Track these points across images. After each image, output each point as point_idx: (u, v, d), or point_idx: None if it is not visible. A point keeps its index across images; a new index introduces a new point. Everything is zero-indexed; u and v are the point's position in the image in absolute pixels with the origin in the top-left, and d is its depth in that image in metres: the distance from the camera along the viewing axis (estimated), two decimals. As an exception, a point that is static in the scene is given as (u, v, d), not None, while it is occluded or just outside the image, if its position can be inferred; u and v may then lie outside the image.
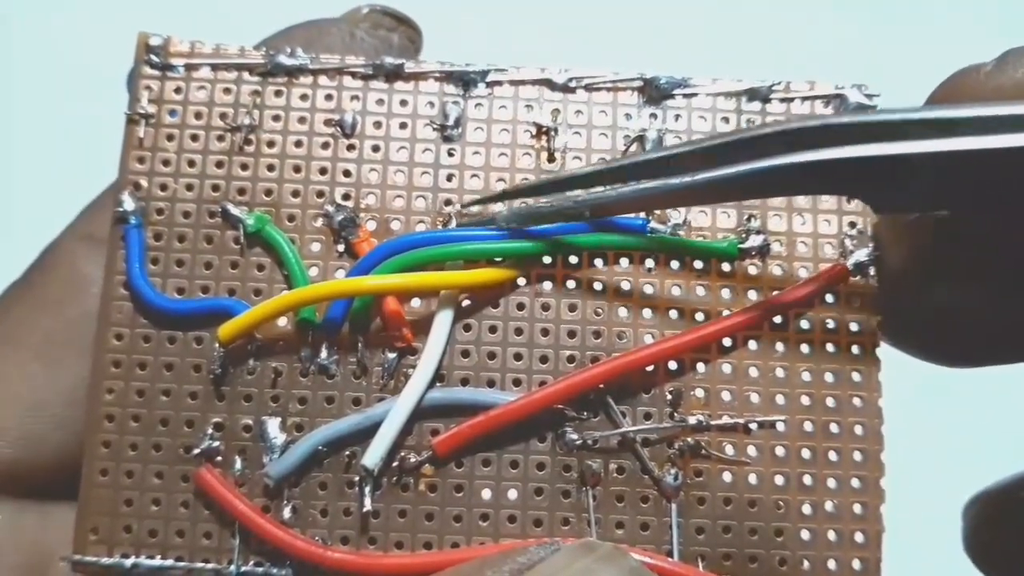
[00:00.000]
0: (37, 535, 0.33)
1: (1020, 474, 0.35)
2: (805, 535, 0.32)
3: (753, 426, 0.33)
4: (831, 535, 0.32)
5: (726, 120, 0.35)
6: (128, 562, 0.31)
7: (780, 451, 0.33)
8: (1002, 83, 0.29)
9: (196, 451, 0.32)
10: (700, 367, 0.33)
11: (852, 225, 0.34)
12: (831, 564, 0.32)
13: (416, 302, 0.33)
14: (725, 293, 0.34)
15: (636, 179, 0.30)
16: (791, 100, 0.35)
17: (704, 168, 0.28)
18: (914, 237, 0.32)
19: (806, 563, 0.32)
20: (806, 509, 0.33)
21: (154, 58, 0.34)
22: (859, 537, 0.32)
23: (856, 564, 0.32)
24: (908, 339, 0.34)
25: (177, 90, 0.34)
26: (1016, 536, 0.35)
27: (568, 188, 0.31)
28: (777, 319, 0.33)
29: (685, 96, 0.35)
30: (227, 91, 0.34)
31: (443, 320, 0.32)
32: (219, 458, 0.32)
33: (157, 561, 0.31)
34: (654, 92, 0.35)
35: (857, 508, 0.33)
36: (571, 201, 0.30)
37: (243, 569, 0.31)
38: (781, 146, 0.28)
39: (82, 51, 0.72)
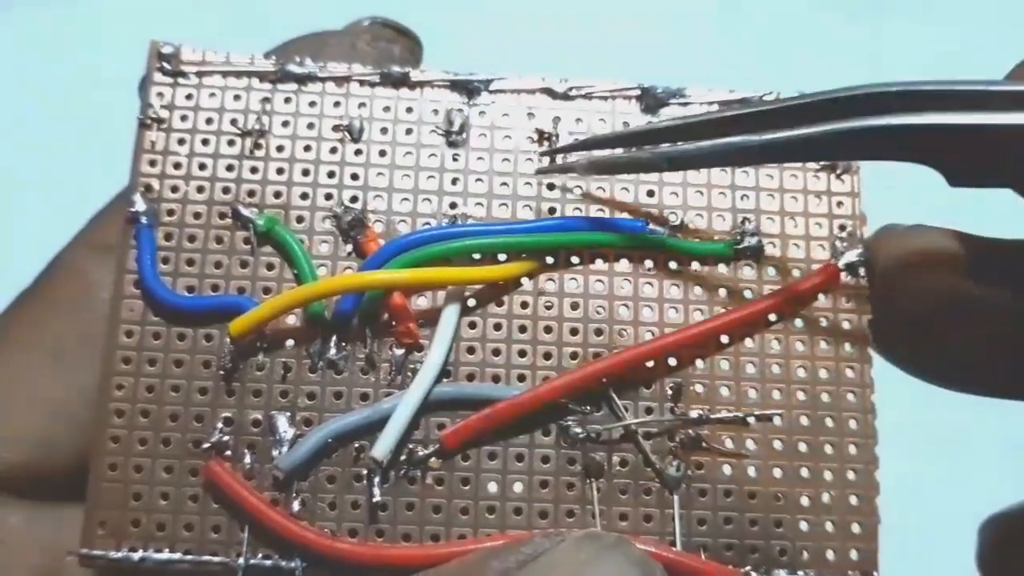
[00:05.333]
0: (53, 536, 0.33)
1: None
2: (804, 526, 0.33)
3: (751, 420, 0.34)
4: (829, 526, 0.33)
5: (720, 128, 0.36)
6: (136, 556, 0.31)
7: (778, 444, 0.34)
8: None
9: (205, 445, 0.32)
10: (699, 363, 0.34)
11: (842, 228, 0.36)
12: (829, 554, 0.33)
13: (423, 301, 0.34)
14: (721, 293, 0.35)
15: (715, 136, 0.30)
16: (781, 109, 0.37)
17: (784, 127, 0.29)
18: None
19: (805, 553, 0.33)
20: (804, 501, 0.33)
21: (166, 65, 0.35)
22: (856, 528, 0.33)
23: (854, 554, 0.33)
24: (895, 353, 0.36)
25: (188, 96, 0.35)
26: None
27: (649, 141, 0.31)
28: (772, 317, 0.35)
29: (681, 104, 0.36)
30: (237, 97, 0.35)
31: (449, 316, 0.33)
32: (228, 452, 0.32)
33: (165, 555, 0.31)
34: (651, 100, 0.36)
35: (853, 500, 0.33)
36: (649, 152, 0.29)
37: (251, 562, 0.31)
38: (862, 109, 0.28)
39: (89, 57, 0.73)
